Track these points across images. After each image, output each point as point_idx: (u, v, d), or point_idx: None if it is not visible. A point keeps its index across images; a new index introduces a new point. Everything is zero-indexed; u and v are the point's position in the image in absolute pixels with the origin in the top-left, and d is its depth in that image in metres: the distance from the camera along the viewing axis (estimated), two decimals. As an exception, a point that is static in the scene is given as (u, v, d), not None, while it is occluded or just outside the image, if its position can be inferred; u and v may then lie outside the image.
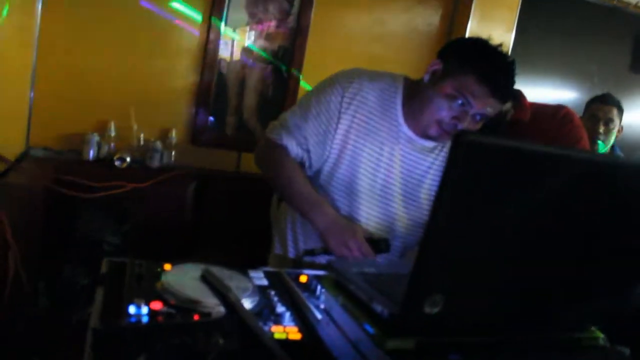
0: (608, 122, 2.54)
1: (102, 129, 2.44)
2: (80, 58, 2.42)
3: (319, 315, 0.99)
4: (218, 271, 1.00)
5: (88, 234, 2.17)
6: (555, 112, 2.00)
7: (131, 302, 0.89)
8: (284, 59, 2.74)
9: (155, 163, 2.47)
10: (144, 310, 0.88)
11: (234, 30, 2.65)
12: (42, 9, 2.30)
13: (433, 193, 1.58)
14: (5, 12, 1.79)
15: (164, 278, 0.99)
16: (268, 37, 2.72)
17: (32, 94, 2.35)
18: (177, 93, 2.61)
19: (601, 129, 2.53)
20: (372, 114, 1.54)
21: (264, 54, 2.71)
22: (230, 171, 2.72)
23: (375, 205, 1.55)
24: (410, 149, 1.55)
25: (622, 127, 2.60)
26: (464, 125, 1.43)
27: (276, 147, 1.56)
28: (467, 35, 2.84)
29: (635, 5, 3.31)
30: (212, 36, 2.57)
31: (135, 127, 2.47)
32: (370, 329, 0.82)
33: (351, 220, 1.54)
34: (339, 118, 1.52)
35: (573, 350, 0.88)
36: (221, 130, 2.72)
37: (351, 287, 0.94)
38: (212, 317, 0.89)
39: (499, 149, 0.69)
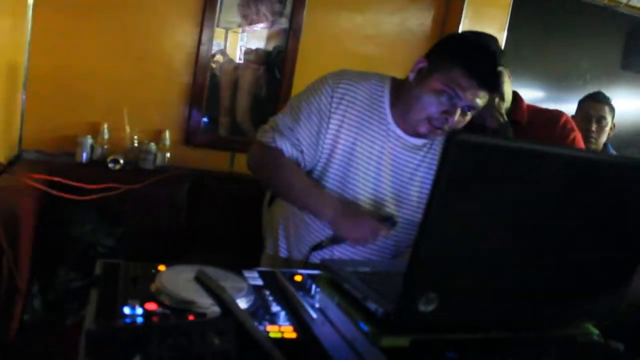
0: (600, 120, 2.55)
1: (95, 131, 2.43)
2: (72, 60, 2.41)
3: (314, 315, 0.99)
4: (212, 271, 1.01)
5: (82, 236, 2.16)
6: (555, 119, 1.98)
7: (126, 304, 0.89)
8: (277, 59, 2.74)
9: (149, 165, 2.46)
10: (139, 311, 0.88)
11: (227, 32, 2.65)
12: (33, 10, 2.29)
13: (424, 190, 1.59)
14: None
15: (158, 279, 0.98)
16: (260, 38, 2.72)
17: (24, 97, 2.34)
18: (170, 94, 2.61)
19: (594, 127, 2.54)
20: (362, 113, 1.54)
21: (256, 55, 2.71)
22: (224, 172, 2.72)
23: (366, 204, 1.55)
24: (399, 147, 1.56)
25: (614, 125, 2.62)
26: (454, 119, 1.44)
27: (270, 149, 1.56)
28: (459, 34, 2.85)
29: (627, 4, 3.33)
30: (204, 37, 2.57)
31: (128, 128, 2.47)
32: (365, 328, 0.82)
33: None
34: (329, 118, 1.53)
35: (568, 347, 0.89)
36: (214, 131, 2.72)
37: (346, 286, 0.95)
38: (207, 318, 0.89)
39: (491, 148, 0.69)
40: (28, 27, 2.29)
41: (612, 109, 2.59)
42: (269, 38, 2.73)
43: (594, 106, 2.58)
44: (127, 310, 0.88)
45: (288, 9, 2.70)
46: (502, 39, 2.96)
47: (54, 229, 2.14)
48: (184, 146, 2.64)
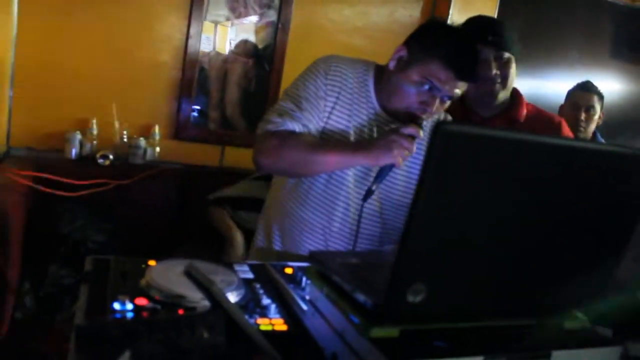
0: (589, 109, 2.57)
1: (84, 127, 2.42)
2: (59, 56, 2.40)
3: (304, 307, 0.99)
4: (203, 265, 1.00)
5: (72, 233, 2.16)
6: (556, 126, 1.94)
7: (116, 299, 0.89)
8: (266, 52, 2.73)
9: (139, 160, 2.46)
10: (129, 306, 0.88)
11: (215, 25, 2.64)
12: (19, 5, 2.27)
13: (409, 174, 1.59)
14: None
15: (148, 274, 0.98)
16: (249, 31, 2.71)
17: (11, 93, 2.32)
18: (159, 89, 2.60)
19: (582, 116, 2.55)
20: (352, 96, 1.56)
21: (245, 49, 2.70)
22: (214, 166, 2.72)
23: (355, 186, 1.56)
24: (386, 130, 1.56)
25: (603, 114, 2.63)
26: (432, 109, 1.46)
27: (284, 132, 1.48)
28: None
29: (615, -6, 3.34)
30: (193, 31, 2.56)
31: (117, 124, 2.46)
32: (355, 319, 0.82)
33: (332, 200, 1.55)
34: (325, 100, 1.53)
35: (556, 334, 0.89)
36: (204, 125, 2.71)
37: (335, 277, 0.95)
38: (197, 312, 0.89)
39: (478, 138, 0.70)
40: (14, 23, 2.27)
41: (601, 98, 2.60)
42: (257, 31, 2.72)
43: (583, 95, 2.59)
44: (117, 305, 0.88)
45: (276, 2, 2.69)
46: (490, 29, 2.96)
47: (44, 225, 2.13)
48: (173, 140, 2.64)
